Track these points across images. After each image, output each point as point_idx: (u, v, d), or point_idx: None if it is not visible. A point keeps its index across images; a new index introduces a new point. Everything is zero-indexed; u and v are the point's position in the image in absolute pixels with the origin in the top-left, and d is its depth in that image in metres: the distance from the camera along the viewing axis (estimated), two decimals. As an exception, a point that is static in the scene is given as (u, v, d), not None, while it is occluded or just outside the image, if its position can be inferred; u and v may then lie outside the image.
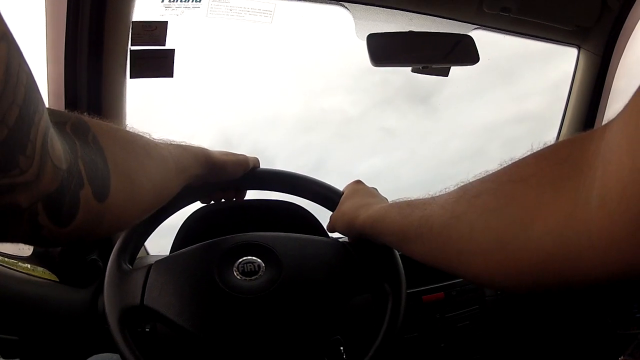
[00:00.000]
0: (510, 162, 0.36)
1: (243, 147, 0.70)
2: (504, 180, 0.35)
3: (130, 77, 0.85)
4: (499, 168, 0.36)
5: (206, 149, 0.62)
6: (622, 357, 1.15)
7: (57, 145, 0.31)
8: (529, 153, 0.34)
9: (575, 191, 0.28)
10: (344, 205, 0.65)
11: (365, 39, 0.83)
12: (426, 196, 0.48)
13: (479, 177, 0.39)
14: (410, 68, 0.92)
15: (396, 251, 0.64)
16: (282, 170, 0.70)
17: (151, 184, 0.47)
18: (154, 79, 0.89)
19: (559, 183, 0.30)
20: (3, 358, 0.78)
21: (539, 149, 0.34)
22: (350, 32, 0.89)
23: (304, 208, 0.81)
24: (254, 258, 0.61)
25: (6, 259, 0.88)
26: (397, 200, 0.55)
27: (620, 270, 0.27)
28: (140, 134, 0.49)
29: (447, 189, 0.44)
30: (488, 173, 0.38)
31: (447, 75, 0.95)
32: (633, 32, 1.22)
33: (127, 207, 0.42)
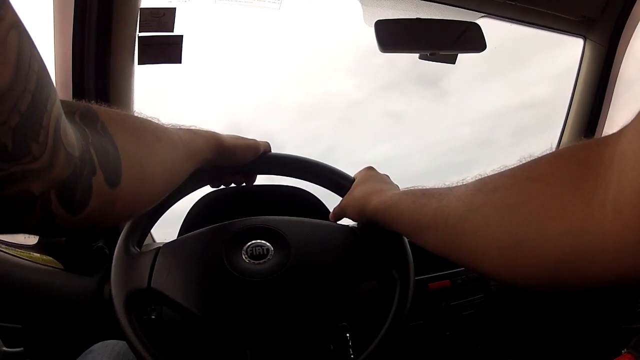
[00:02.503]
0: (529, 159, 0.36)
1: (251, 135, 0.70)
2: (523, 177, 0.35)
3: (138, 64, 0.85)
4: (518, 164, 0.36)
5: (216, 133, 0.62)
6: (625, 350, 1.15)
7: (70, 132, 0.31)
8: (547, 152, 0.35)
9: (592, 193, 0.28)
10: (356, 191, 0.65)
11: (373, 25, 0.83)
12: (442, 186, 0.48)
13: (497, 171, 0.39)
14: (417, 54, 0.92)
15: (405, 238, 0.64)
16: (293, 155, 0.70)
17: (162, 169, 0.47)
18: (163, 69, 0.89)
19: (576, 184, 0.30)
20: (7, 347, 0.78)
21: (558, 149, 0.34)
22: (357, 17, 0.89)
23: (312, 194, 0.81)
24: (262, 242, 0.61)
25: (11, 247, 0.87)
26: (411, 188, 0.54)
27: (632, 276, 0.27)
28: (149, 119, 0.49)
29: (464, 180, 0.44)
30: (506, 168, 0.38)
31: (454, 63, 0.95)
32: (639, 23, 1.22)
33: (139, 192, 0.42)
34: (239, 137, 0.66)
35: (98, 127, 0.37)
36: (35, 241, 0.90)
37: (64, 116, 0.31)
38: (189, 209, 0.79)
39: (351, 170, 0.71)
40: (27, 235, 0.91)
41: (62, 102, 0.33)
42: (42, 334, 0.82)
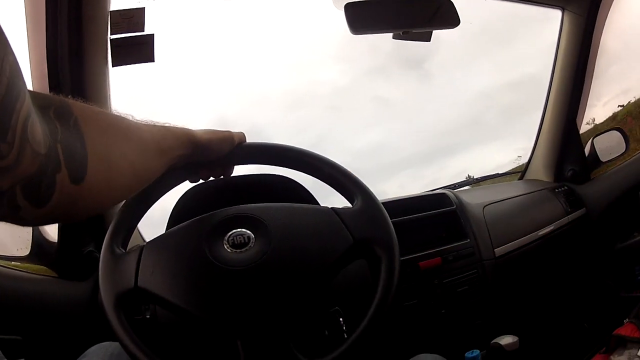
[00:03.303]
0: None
1: (240, 128, 0.70)
2: None
3: (112, 66, 0.85)
4: None
5: (189, 129, 0.62)
6: (627, 319, 1.15)
7: (37, 130, 0.32)
8: None
9: None
10: None
11: (343, 9, 0.83)
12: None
13: None
14: (391, 35, 0.91)
15: (386, 213, 0.64)
16: (267, 143, 0.70)
17: (130, 167, 0.47)
18: (149, 68, 0.89)
19: None
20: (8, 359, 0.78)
21: None
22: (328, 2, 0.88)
23: (292, 179, 0.81)
24: (243, 230, 0.61)
25: (3, 260, 0.88)
26: None
27: None
28: (123, 116, 0.49)
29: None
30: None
31: (429, 40, 0.94)
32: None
33: (104, 190, 0.43)
34: (213, 130, 0.66)
35: (70, 124, 0.39)
36: (28, 252, 0.91)
37: (33, 114, 0.32)
38: (173, 206, 0.79)
39: (341, 157, 0.70)
40: (19, 247, 0.91)
41: (39, 95, 0.35)
42: (42, 344, 0.82)
